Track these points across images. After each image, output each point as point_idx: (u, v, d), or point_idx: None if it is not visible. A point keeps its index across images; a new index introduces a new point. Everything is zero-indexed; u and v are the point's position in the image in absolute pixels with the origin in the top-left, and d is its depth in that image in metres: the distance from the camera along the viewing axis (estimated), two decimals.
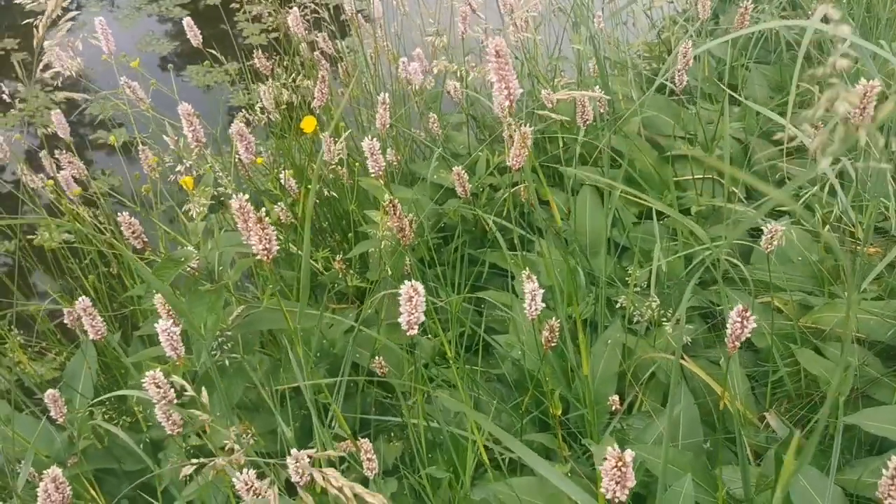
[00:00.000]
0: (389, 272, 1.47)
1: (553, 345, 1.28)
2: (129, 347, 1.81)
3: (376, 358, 1.35)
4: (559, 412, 1.34)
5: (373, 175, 1.28)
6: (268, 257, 1.05)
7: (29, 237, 2.27)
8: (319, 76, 1.54)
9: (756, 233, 1.82)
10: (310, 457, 0.60)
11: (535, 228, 1.92)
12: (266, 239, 1.03)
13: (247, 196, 1.06)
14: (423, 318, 0.84)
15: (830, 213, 1.56)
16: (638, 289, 1.54)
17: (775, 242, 1.15)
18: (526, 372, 1.40)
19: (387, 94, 1.44)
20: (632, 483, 0.70)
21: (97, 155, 3.42)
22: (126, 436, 1.30)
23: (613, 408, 1.28)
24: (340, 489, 0.56)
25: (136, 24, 4.54)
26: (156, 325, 1.05)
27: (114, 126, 3.38)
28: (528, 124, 1.90)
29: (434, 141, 1.90)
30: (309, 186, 1.72)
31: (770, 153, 2.03)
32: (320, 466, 0.83)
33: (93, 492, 1.49)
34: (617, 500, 0.71)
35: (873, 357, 1.26)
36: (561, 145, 2.17)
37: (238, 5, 4.24)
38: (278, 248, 1.06)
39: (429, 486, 1.31)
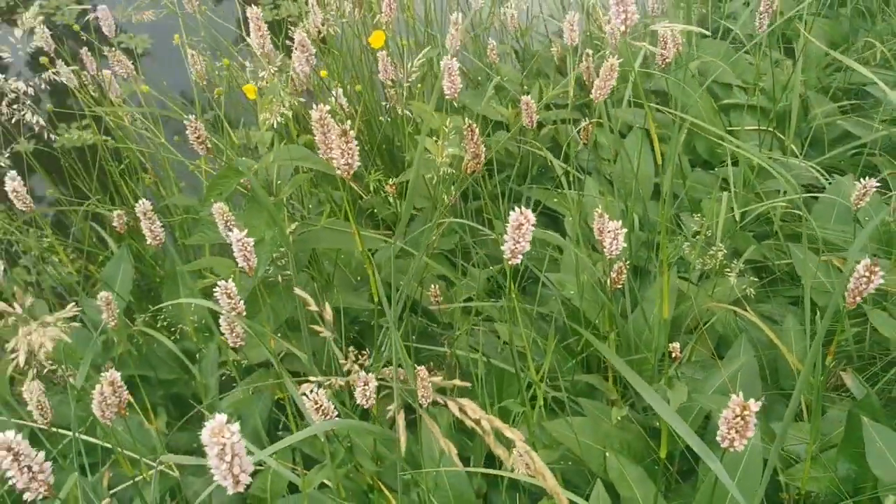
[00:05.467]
0: (447, 200, 1.42)
1: (619, 286, 1.25)
2: (165, 258, 1.77)
3: (433, 286, 1.32)
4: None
5: (447, 97, 1.23)
6: (348, 173, 1.01)
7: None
8: None
9: (813, 189, 1.78)
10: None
11: (579, 167, 1.87)
12: (349, 153, 0.99)
13: (328, 107, 1.02)
14: (527, 247, 0.81)
15: None
16: (693, 238, 1.51)
17: (866, 198, 1.11)
18: (581, 312, 1.37)
19: (459, 14, 1.38)
20: (752, 433, 0.68)
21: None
22: (172, 344, 1.28)
23: (674, 355, 1.26)
24: (478, 422, 0.53)
25: None
26: (229, 234, 1.01)
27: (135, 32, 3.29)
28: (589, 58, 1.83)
29: (491, 70, 1.84)
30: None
31: (828, 109, 1.98)
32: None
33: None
34: (732, 450, 0.69)
35: None
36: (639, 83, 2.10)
37: None
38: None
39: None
